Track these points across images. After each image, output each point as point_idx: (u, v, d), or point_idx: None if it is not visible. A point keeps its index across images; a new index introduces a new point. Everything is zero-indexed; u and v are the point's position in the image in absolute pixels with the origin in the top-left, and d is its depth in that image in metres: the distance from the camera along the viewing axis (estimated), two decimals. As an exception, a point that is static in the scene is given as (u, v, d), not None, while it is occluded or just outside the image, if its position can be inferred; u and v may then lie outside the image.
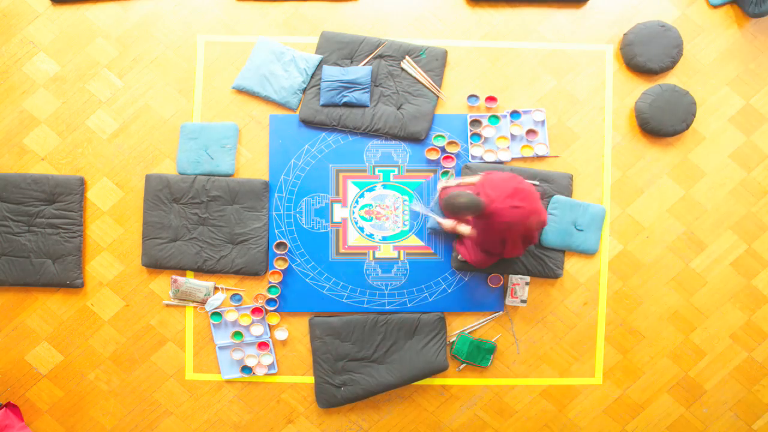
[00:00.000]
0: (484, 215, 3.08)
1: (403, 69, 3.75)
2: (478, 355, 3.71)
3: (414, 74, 3.75)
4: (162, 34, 3.81)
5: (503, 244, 3.20)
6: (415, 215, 3.77)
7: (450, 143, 3.74)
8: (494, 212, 3.05)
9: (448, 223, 3.37)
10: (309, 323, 3.72)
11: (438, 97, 3.78)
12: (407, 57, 3.74)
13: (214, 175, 3.74)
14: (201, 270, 3.73)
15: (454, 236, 3.67)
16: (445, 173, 3.75)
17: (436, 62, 3.76)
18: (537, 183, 3.67)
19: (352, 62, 3.75)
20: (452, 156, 3.75)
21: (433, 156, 3.74)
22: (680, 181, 3.84)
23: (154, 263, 3.71)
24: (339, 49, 3.75)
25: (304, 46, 3.80)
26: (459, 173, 3.76)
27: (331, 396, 3.69)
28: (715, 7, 3.84)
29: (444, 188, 3.53)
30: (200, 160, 3.74)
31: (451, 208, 3.02)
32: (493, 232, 3.14)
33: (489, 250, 3.31)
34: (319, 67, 3.75)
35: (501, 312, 3.79)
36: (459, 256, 3.60)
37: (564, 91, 3.83)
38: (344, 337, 3.69)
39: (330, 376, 3.68)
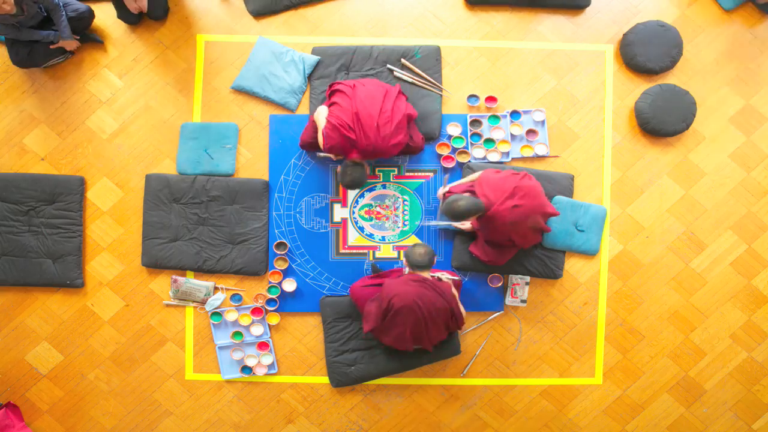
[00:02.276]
0: (486, 217, 3.12)
1: (397, 77, 3.73)
2: None
3: (413, 76, 3.74)
4: (162, 34, 3.80)
5: (511, 241, 3.29)
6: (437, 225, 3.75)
7: (461, 152, 3.74)
8: (495, 214, 3.13)
9: (465, 225, 3.46)
10: (320, 303, 3.71)
11: (441, 94, 3.77)
12: (403, 60, 3.73)
13: (214, 175, 3.74)
14: (201, 270, 3.72)
15: (469, 239, 3.65)
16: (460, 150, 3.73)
17: (432, 60, 3.76)
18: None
19: (348, 74, 3.74)
20: (453, 157, 3.75)
21: (444, 151, 3.73)
22: (680, 181, 3.84)
23: (154, 263, 3.71)
24: (334, 62, 3.74)
25: (303, 47, 3.80)
26: (460, 173, 3.76)
27: (342, 375, 3.66)
28: (729, 11, 3.83)
29: (446, 193, 3.55)
30: (200, 160, 3.74)
31: (451, 213, 3.09)
32: (498, 232, 3.23)
33: (501, 245, 3.38)
34: (316, 67, 3.75)
35: (501, 312, 3.79)
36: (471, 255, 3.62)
37: (564, 91, 3.83)
38: (355, 317, 3.67)
39: (340, 356, 3.66)
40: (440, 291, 3.15)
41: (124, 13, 3.68)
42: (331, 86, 3.46)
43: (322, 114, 3.38)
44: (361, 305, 3.40)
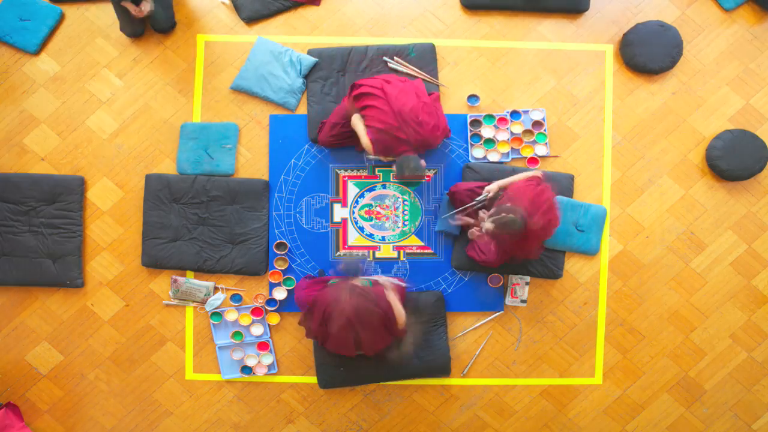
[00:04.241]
0: (524, 231, 3.05)
1: (393, 69, 3.71)
2: None
3: (407, 72, 3.72)
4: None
5: (529, 249, 3.23)
6: (445, 226, 3.70)
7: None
8: (534, 227, 3.02)
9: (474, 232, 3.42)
10: None
11: (438, 92, 3.75)
12: (395, 57, 3.71)
13: (214, 175, 3.74)
14: (201, 270, 3.72)
15: (464, 241, 3.63)
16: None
17: (428, 58, 3.75)
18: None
19: (345, 74, 3.74)
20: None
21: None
22: (680, 181, 3.84)
23: (154, 263, 3.71)
24: (331, 63, 3.74)
25: (303, 47, 3.80)
26: (461, 174, 3.76)
27: (330, 376, 3.65)
28: (728, 11, 3.82)
29: (456, 186, 3.52)
30: (200, 160, 3.74)
31: (502, 228, 2.99)
32: (527, 241, 3.14)
33: (513, 254, 3.30)
34: (312, 68, 3.74)
35: (501, 312, 3.79)
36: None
37: (564, 91, 3.83)
38: None
39: (330, 357, 3.63)
40: (371, 295, 3.12)
41: (126, 25, 3.63)
42: (355, 87, 3.38)
43: (358, 122, 3.35)
44: (304, 310, 3.37)
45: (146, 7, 3.39)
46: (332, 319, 3.07)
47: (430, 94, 3.47)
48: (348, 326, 3.04)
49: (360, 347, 3.18)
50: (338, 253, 3.77)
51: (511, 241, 3.15)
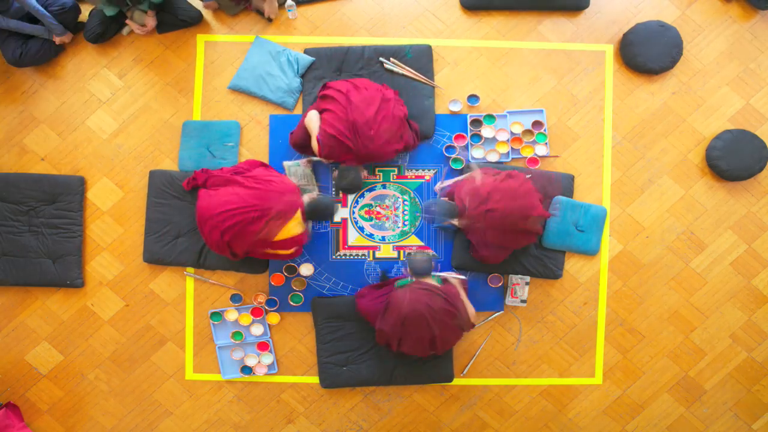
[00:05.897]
0: (465, 219, 3.24)
1: (388, 70, 3.71)
2: None
3: (401, 72, 3.71)
4: (162, 34, 3.80)
5: (490, 242, 3.32)
6: (428, 219, 3.73)
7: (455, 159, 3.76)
8: (469, 219, 3.22)
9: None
10: (312, 304, 3.71)
11: (434, 90, 3.75)
12: (391, 58, 3.71)
13: (214, 175, 3.74)
14: (202, 266, 3.72)
15: (465, 242, 3.63)
16: (457, 161, 3.74)
17: (424, 60, 3.74)
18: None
19: (341, 74, 3.73)
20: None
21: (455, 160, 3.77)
22: (680, 181, 3.84)
23: (156, 259, 3.70)
24: (327, 63, 3.74)
25: (302, 47, 3.80)
26: (460, 175, 3.76)
27: (333, 375, 3.67)
28: (729, 1, 3.82)
29: (441, 189, 3.58)
30: (202, 158, 3.73)
31: (428, 214, 3.27)
32: (477, 233, 3.29)
33: (492, 245, 3.38)
34: (309, 68, 3.74)
35: (501, 312, 3.79)
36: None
37: (564, 91, 3.83)
38: (347, 318, 3.67)
39: (332, 357, 3.66)
40: (446, 294, 3.15)
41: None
42: (323, 88, 3.44)
43: (314, 120, 3.34)
44: (372, 319, 3.38)
45: (150, 24, 3.53)
46: (410, 321, 3.07)
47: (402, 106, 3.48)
48: (426, 327, 3.07)
49: (434, 347, 3.19)
50: (408, 252, 3.66)
51: (470, 232, 3.30)
